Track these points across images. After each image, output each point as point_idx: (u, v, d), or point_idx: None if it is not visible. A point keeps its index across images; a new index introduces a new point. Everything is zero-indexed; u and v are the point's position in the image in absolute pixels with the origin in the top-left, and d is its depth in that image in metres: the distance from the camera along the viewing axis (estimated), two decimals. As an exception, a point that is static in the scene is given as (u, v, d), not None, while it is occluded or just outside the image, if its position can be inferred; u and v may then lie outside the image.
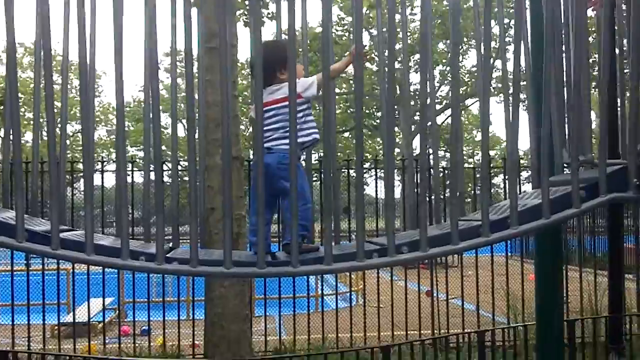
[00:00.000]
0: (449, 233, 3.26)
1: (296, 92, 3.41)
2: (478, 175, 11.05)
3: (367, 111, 33.73)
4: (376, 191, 9.98)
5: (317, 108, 5.71)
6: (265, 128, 3.78)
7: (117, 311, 11.72)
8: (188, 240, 3.30)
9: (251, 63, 3.77)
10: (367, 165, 10.83)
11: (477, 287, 9.73)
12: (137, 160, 9.73)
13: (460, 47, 32.65)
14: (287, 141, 3.52)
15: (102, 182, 10.05)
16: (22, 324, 9.73)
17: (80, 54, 3.33)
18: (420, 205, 3.27)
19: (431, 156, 4.06)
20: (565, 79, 3.95)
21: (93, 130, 4.01)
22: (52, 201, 3.24)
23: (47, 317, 9.58)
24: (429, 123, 3.81)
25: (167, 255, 3.33)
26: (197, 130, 3.83)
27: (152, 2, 3.30)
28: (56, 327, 10.38)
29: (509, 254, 10.46)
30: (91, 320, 10.82)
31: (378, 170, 10.25)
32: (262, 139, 3.38)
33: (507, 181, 3.94)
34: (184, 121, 4.08)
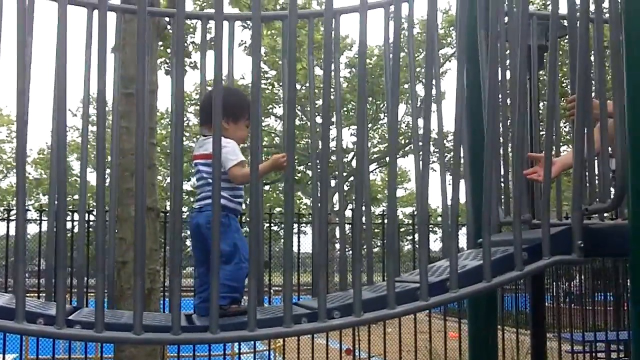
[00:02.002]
0: (384, 296, 3.00)
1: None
2: (402, 229, 10.91)
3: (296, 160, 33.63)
4: (299, 246, 9.70)
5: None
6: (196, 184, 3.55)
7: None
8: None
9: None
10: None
11: (400, 345, 9.50)
12: (46, 209, 9.26)
13: (381, 104, 33.12)
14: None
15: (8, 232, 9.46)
16: None
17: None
18: (355, 264, 3.00)
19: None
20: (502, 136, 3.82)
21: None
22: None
23: (-59, 376, 8.91)
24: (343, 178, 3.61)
25: (70, 318, 2.96)
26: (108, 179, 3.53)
27: (64, 43, 2.97)
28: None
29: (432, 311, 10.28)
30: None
31: (302, 225, 10.00)
32: (181, 192, 3.07)
33: (444, 240, 3.75)
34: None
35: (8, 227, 9.16)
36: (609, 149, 3.35)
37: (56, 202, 3.11)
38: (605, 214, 3.88)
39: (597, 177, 3.51)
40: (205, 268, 3.47)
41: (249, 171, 3.40)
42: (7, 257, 9.37)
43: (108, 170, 3.66)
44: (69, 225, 8.41)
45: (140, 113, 3.05)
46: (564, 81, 14.60)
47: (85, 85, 3.63)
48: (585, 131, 3.25)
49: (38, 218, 9.02)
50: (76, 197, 3.73)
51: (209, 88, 4.62)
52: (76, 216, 7.78)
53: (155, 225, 7.74)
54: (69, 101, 3.04)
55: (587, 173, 3.50)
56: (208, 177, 3.46)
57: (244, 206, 3.89)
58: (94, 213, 8.45)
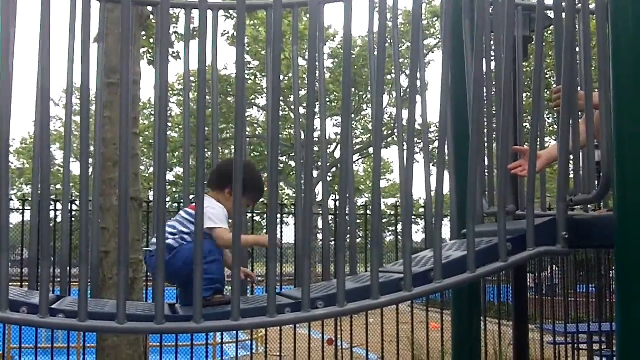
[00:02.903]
0: (368, 287, 3.00)
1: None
2: (385, 220, 10.92)
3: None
4: (281, 237, 9.67)
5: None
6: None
7: (3, 358, 10.98)
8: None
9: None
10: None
11: (382, 336, 9.52)
12: (29, 199, 9.20)
13: (364, 95, 33.10)
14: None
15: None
16: None
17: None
18: (339, 255, 3.00)
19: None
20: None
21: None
22: None
23: None
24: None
25: (53, 307, 2.94)
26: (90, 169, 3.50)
27: (47, 33, 2.94)
28: None
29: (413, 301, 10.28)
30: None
31: (284, 216, 9.99)
32: (165, 182, 3.05)
33: (428, 230, 3.74)
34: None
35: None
36: (595, 140, 3.36)
37: (39, 192, 3.09)
38: (589, 205, 3.90)
39: (581, 168, 3.52)
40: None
41: (225, 237, 3.40)
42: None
43: (91, 160, 3.64)
44: (52, 214, 8.39)
45: (124, 103, 3.03)
46: (547, 72, 14.62)
47: (69, 75, 3.60)
48: (571, 122, 3.26)
49: (21, 208, 8.96)
50: (59, 186, 3.72)
51: (192, 79, 4.61)
52: (59, 206, 7.74)
53: (138, 215, 7.72)
54: (51, 91, 3.02)
55: (572, 164, 3.51)
56: (179, 220, 3.49)
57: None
58: (77, 203, 8.41)
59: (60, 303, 3.13)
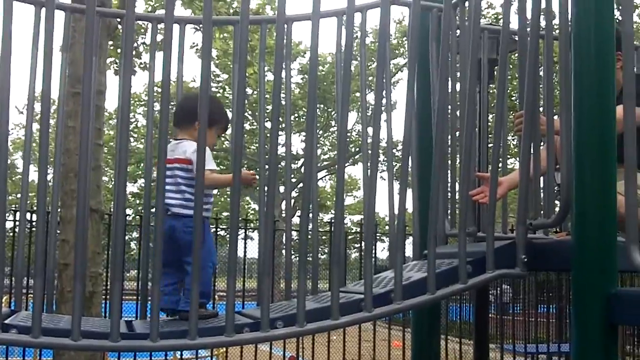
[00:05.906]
0: (328, 307, 2.98)
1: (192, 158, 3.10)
2: (350, 237, 10.93)
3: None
4: (245, 252, 9.65)
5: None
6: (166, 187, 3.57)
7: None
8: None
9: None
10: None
11: (344, 354, 9.50)
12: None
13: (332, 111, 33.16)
14: (188, 212, 3.39)
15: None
16: None
17: None
18: (300, 274, 2.98)
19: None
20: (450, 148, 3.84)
21: None
22: None
23: None
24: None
25: (6, 322, 2.87)
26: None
27: (8, 41, 2.90)
28: None
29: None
30: None
31: (249, 231, 9.95)
32: (124, 194, 3.01)
33: (390, 250, 3.74)
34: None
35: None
36: (556, 164, 3.37)
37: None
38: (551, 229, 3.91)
39: (542, 192, 3.54)
40: (174, 269, 3.49)
41: (215, 177, 3.54)
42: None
43: (51, 170, 3.58)
44: (9, 225, 8.25)
45: (85, 113, 2.99)
46: (514, 95, 14.78)
47: (31, 83, 3.56)
48: (532, 146, 3.28)
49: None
50: (19, 195, 3.65)
51: (158, 89, 4.58)
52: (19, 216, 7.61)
53: (99, 227, 7.62)
54: (16, 98, 2.98)
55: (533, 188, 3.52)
56: (184, 183, 3.50)
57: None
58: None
59: (14, 318, 3.06)
